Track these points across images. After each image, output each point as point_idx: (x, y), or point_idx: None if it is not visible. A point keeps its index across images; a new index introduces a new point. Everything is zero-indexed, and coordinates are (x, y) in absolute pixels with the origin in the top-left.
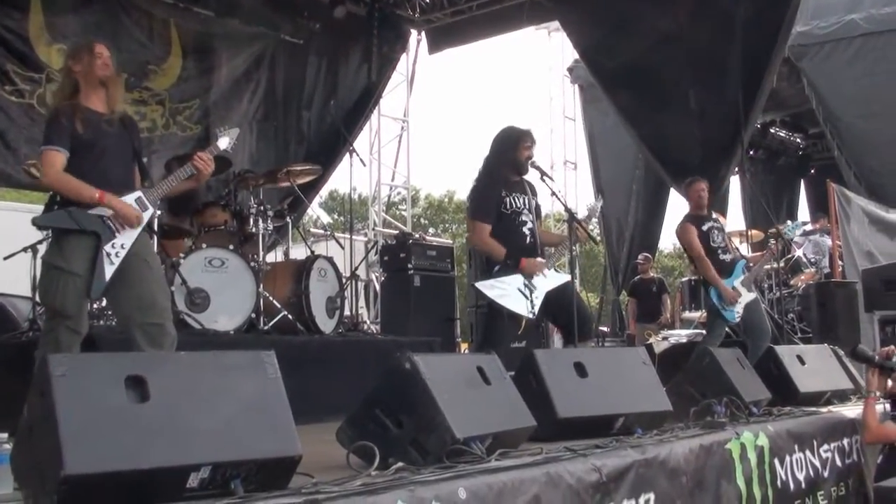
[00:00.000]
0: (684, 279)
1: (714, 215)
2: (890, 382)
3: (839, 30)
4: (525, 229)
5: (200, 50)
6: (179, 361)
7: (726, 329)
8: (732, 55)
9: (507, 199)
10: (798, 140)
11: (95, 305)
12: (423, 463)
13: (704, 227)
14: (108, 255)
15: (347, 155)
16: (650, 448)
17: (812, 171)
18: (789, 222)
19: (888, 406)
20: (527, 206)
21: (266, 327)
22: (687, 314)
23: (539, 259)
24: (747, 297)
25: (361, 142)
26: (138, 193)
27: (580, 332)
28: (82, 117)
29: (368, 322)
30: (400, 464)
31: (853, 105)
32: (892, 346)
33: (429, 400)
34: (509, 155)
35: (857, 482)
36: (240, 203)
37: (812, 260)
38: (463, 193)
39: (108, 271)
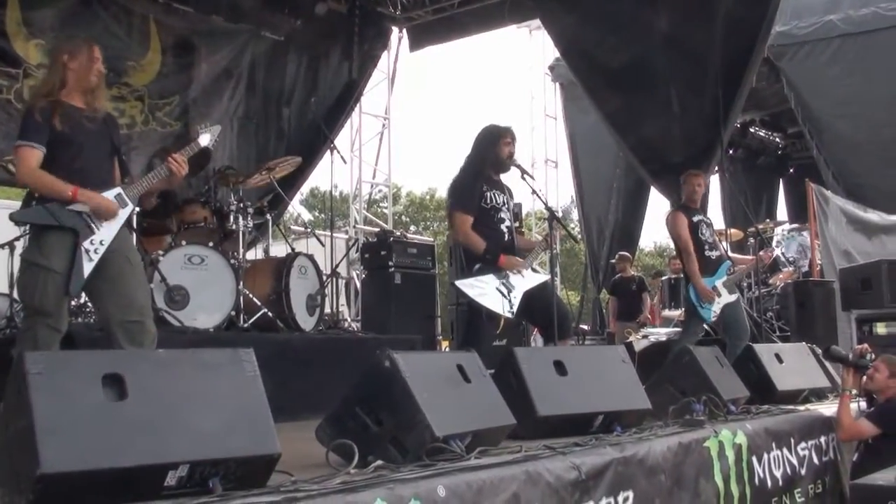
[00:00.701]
0: (664, 278)
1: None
2: (864, 380)
3: (818, 30)
4: (503, 227)
5: (180, 46)
6: (157, 359)
7: (704, 327)
8: (713, 55)
9: (488, 194)
10: (777, 140)
11: (74, 302)
12: (403, 461)
13: (695, 219)
14: (87, 251)
15: (328, 152)
16: (629, 446)
17: (791, 170)
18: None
19: (863, 404)
20: (506, 205)
21: (246, 325)
22: (666, 312)
23: (518, 259)
24: (727, 298)
25: (342, 139)
26: (118, 190)
27: (559, 330)
28: (62, 113)
29: (349, 320)
30: (379, 462)
31: (831, 105)
32: (865, 345)
33: (408, 398)
34: (490, 152)
35: (834, 480)
36: (220, 200)
37: (791, 259)
38: (445, 191)
39: (87, 268)
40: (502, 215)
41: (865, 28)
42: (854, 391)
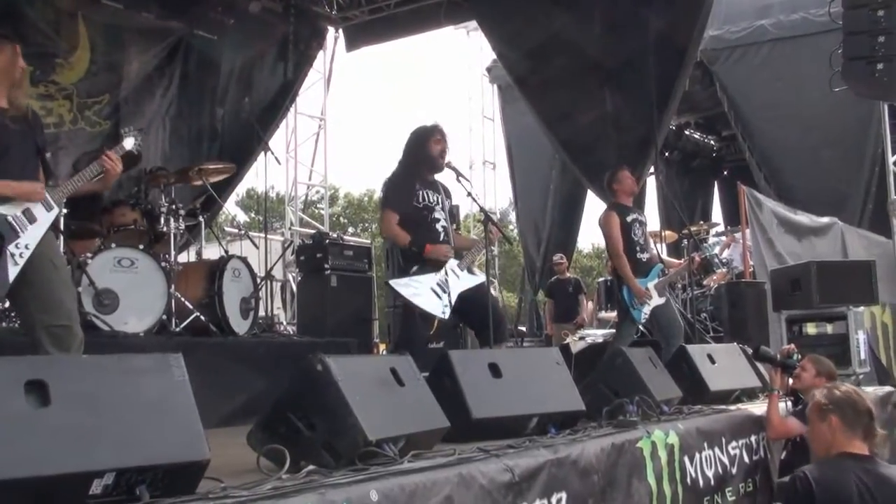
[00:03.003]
0: (601, 279)
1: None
2: (790, 381)
3: (749, 35)
4: (438, 226)
5: (109, 44)
6: (82, 365)
7: (639, 328)
8: (646, 57)
9: (421, 193)
10: (712, 142)
11: None
12: (335, 466)
13: (628, 219)
14: (13, 255)
15: (263, 153)
16: (562, 448)
17: (725, 172)
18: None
19: (790, 403)
20: (440, 205)
21: (178, 329)
22: (603, 314)
23: (444, 245)
24: (657, 300)
25: (277, 140)
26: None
27: (494, 334)
28: None
29: (284, 323)
30: (311, 467)
31: (762, 109)
32: (792, 345)
33: (340, 402)
34: (421, 151)
35: (764, 478)
36: (150, 202)
37: (725, 260)
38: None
39: (13, 272)
40: (437, 214)
41: (796, 33)
42: (781, 391)
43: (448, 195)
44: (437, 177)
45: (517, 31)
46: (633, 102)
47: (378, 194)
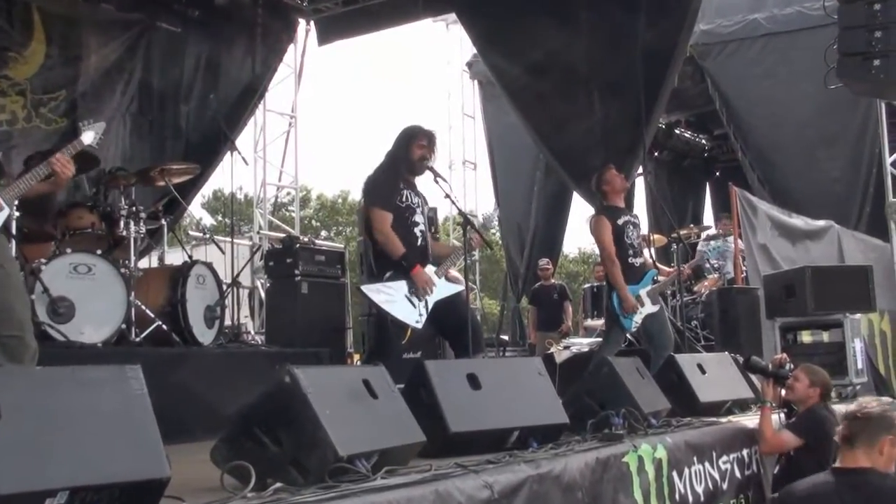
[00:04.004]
0: (586, 286)
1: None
2: (783, 391)
3: (742, 29)
4: (417, 230)
5: (66, 37)
6: (34, 377)
7: (627, 337)
8: (634, 54)
9: (405, 193)
10: (703, 141)
11: None
12: (304, 483)
13: (620, 221)
14: None
15: (230, 153)
16: (544, 463)
17: (717, 173)
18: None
19: (783, 415)
20: (420, 208)
21: (138, 339)
22: (589, 322)
23: (431, 275)
24: (650, 308)
25: (245, 139)
26: None
27: (472, 345)
28: None
29: (252, 332)
30: (278, 484)
31: (756, 107)
32: (784, 355)
33: (310, 415)
34: (402, 151)
35: (757, 494)
36: (110, 204)
37: (716, 266)
38: (358, 194)
39: None
40: (416, 218)
41: (790, 27)
42: (773, 403)
43: (426, 200)
44: (417, 179)
45: (498, 24)
46: (621, 101)
47: (353, 196)
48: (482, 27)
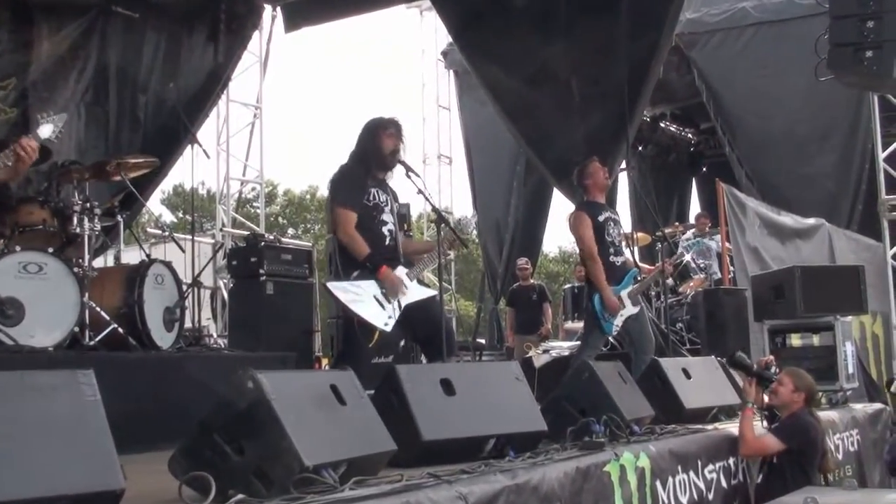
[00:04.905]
0: (567, 286)
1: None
2: (766, 395)
3: (730, 18)
4: (385, 229)
5: (16, 21)
6: None
7: (609, 340)
8: (616, 43)
9: (372, 191)
10: (689, 135)
11: None
12: (267, 494)
13: (601, 218)
14: None
15: (190, 146)
16: (521, 472)
17: (704, 168)
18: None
19: (765, 421)
20: (389, 206)
21: (92, 342)
22: (570, 325)
23: (400, 277)
24: (630, 310)
25: (207, 131)
26: None
27: (440, 351)
28: None
29: (214, 335)
30: (240, 496)
31: (745, 100)
32: (771, 357)
33: (274, 423)
34: (370, 144)
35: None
36: (62, 199)
37: (702, 265)
38: (326, 189)
39: None
40: (384, 217)
41: (780, 16)
42: (755, 405)
43: (396, 197)
44: (387, 176)
45: (475, 11)
46: (603, 93)
47: (322, 191)
48: (458, 14)
